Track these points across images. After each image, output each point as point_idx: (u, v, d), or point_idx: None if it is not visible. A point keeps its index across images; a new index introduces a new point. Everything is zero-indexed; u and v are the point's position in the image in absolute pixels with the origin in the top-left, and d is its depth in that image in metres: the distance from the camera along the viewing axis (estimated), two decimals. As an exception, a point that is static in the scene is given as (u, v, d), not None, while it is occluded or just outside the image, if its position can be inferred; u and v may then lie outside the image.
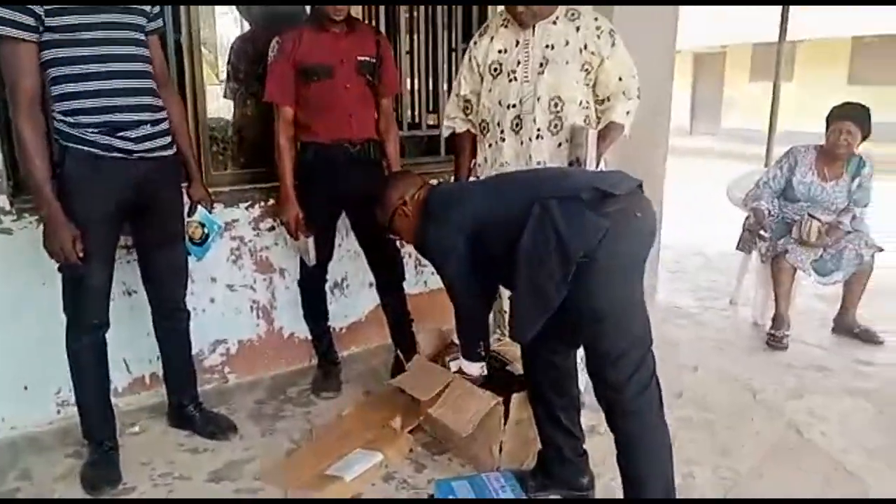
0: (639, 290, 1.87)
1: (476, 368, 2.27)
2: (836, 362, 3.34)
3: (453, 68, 3.48)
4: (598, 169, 2.46)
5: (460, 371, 2.32)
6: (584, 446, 2.22)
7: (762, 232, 3.72)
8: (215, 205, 2.78)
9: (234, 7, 3.33)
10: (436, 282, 3.58)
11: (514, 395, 2.31)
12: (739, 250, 4.03)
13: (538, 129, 2.47)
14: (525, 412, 2.30)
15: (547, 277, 1.75)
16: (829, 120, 3.55)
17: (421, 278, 3.55)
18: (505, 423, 2.28)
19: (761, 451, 2.54)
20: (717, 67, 18.23)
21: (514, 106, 2.49)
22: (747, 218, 3.94)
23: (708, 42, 17.00)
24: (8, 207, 2.44)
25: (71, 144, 2.08)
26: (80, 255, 2.08)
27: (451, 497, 2.10)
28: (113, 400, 2.61)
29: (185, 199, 2.49)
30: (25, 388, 2.58)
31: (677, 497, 1.92)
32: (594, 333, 1.83)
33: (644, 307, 1.87)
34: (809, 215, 3.49)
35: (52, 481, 2.31)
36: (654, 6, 3.68)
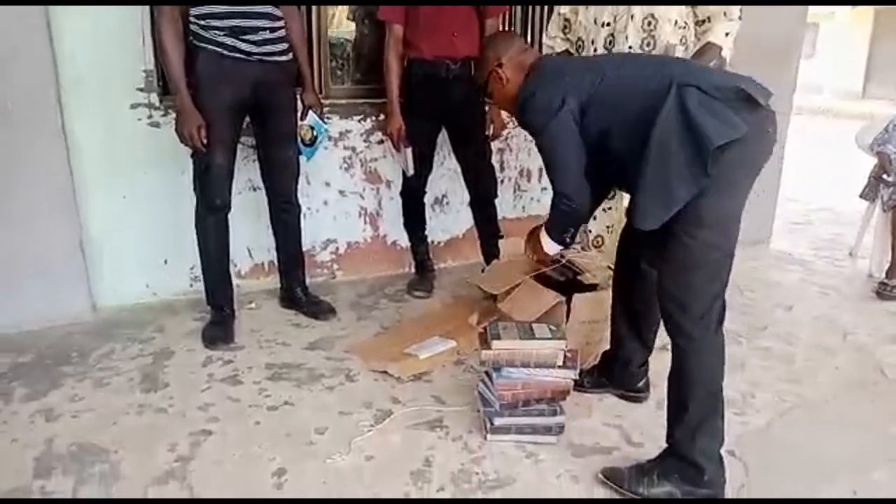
0: (744, 204, 1.77)
1: (553, 246, 2.16)
2: (950, 317, 3.15)
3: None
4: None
5: (536, 243, 2.22)
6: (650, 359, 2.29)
7: (886, 176, 3.52)
8: (330, 114, 3.09)
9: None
10: (533, 207, 3.76)
11: (576, 296, 2.44)
12: (863, 198, 3.83)
13: (630, 48, 2.52)
14: (588, 315, 2.43)
15: (675, 167, 1.66)
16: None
17: (519, 203, 3.72)
18: (567, 322, 2.43)
19: (836, 383, 2.52)
20: (902, 23, 16.43)
21: (608, 24, 2.55)
22: (875, 165, 3.72)
23: (892, -5, 15.34)
24: (157, 104, 2.86)
25: (202, 45, 2.43)
26: (204, 140, 2.43)
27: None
28: (237, 281, 3.04)
29: (299, 104, 2.79)
30: (165, 261, 3.05)
31: (723, 403, 1.83)
32: (689, 238, 1.71)
33: (740, 220, 1.77)
34: (936, 159, 3.27)
35: (179, 336, 2.75)
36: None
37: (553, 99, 1.86)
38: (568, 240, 2.15)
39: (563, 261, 2.59)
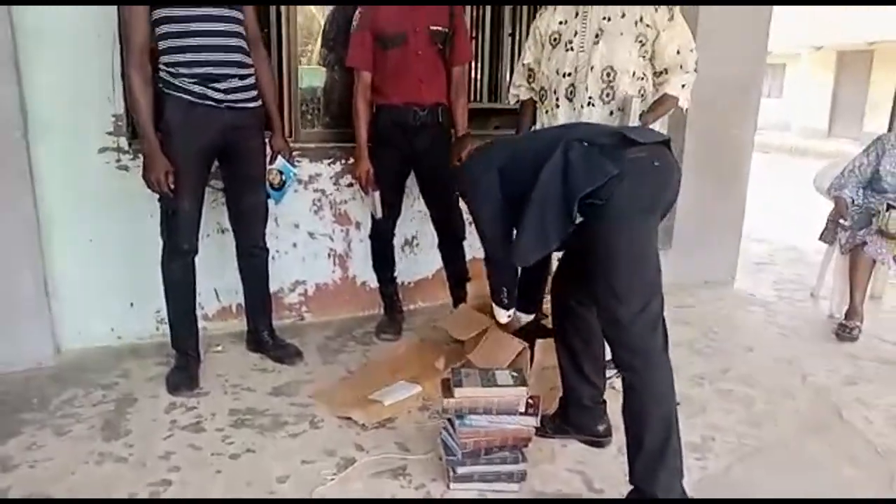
0: (652, 236, 1.94)
1: (502, 315, 2.39)
2: (907, 359, 3.23)
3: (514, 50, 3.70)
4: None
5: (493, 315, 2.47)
6: (605, 398, 2.35)
7: (843, 221, 3.63)
8: (301, 158, 3.13)
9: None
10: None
11: (539, 341, 2.47)
12: (822, 241, 3.93)
13: (590, 97, 2.60)
14: (551, 360, 2.46)
15: (549, 211, 1.85)
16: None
17: (488, 243, 3.75)
18: (531, 368, 2.45)
19: (795, 426, 2.56)
20: (862, 66, 17.00)
21: (568, 74, 2.63)
22: (833, 209, 3.83)
23: (853, 39, 15.91)
24: (126, 148, 2.88)
25: (171, 92, 2.45)
26: (172, 186, 2.45)
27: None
28: (203, 324, 3.04)
29: (268, 148, 2.82)
30: (131, 304, 3.04)
31: (681, 445, 1.94)
32: (606, 271, 1.88)
33: (657, 252, 1.93)
34: (889, 205, 3.37)
35: (143, 381, 2.72)
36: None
37: (473, 171, 2.12)
38: (505, 300, 2.33)
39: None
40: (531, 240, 1.90)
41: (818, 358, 3.19)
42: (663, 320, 1.93)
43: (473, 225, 2.20)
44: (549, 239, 1.89)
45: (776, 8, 4.13)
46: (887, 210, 3.38)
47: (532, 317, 2.54)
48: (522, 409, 2.06)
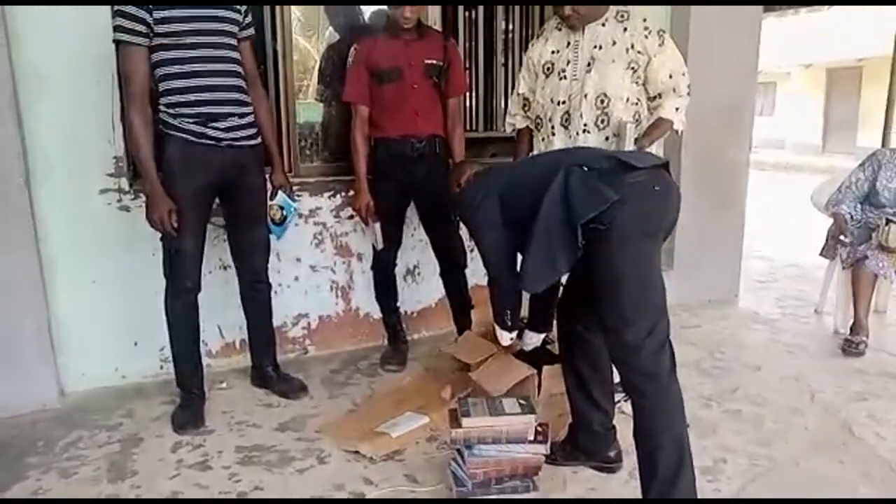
0: (656, 259, 1.95)
1: (505, 337, 2.40)
2: (915, 372, 3.22)
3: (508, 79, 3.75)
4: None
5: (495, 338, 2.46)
6: (614, 422, 2.33)
7: (843, 237, 3.63)
8: (301, 192, 3.15)
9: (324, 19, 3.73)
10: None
11: (546, 367, 2.47)
12: (823, 257, 3.93)
13: (585, 125, 2.63)
14: (559, 387, 2.44)
15: (555, 238, 1.86)
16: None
17: (490, 270, 3.76)
18: (538, 395, 2.44)
19: (805, 444, 2.54)
20: (852, 82, 17.18)
21: (563, 102, 2.67)
22: (831, 225, 3.84)
23: (843, 55, 16.10)
24: (127, 188, 2.90)
25: (171, 132, 2.48)
26: (175, 225, 2.46)
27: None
28: (207, 360, 3.04)
29: (269, 184, 2.84)
30: (135, 343, 3.03)
31: (693, 468, 1.94)
32: (611, 296, 1.89)
33: (660, 275, 1.94)
34: (888, 220, 3.39)
35: (148, 420, 2.71)
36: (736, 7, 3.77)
37: (473, 197, 2.12)
38: (508, 322, 2.34)
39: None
40: (540, 267, 1.92)
41: (825, 374, 3.18)
42: (670, 343, 1.93)
43: (476, 250, 2.22)
44: (557, 265, 1.90)
45: (764, 27, 4.19)
46: (886, 224, 3.39)
47: (542, 336, 2.53)
48: (531, 437, 2.05)
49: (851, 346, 3.43)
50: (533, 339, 2.51)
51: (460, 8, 3.69)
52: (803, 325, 3.95)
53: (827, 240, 3.87)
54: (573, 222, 1.84)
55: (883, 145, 5.37)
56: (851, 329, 3.53)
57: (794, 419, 2.74)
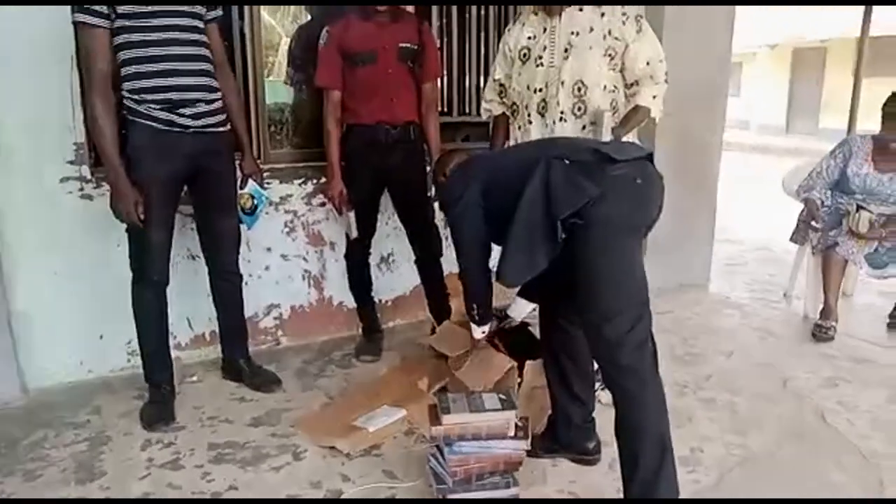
0: (636, 254, 1.93)
1: (476, 331, 2.38)
2: (882, 357, 3.27)
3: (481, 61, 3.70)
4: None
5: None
6: (594, 415, 2.32)
7: (814, 223, 3.66)
8: (271, 179, 3.06)
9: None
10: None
11: (529, 363, 2.44)
12: (793, 242, 3.97)
13: (562, 112, 2.58)
14: (541, 380, 2.43)
15: (535, 232, 1.85)
16: (885, 109, 3.46)
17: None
18: (519, 388, 2.42)
19: (779, 432, 2.56)
20: (817, 63, 17.41)
21: (540, 90, 2.61)
22: (802, 210, 3.88)
23: (808, 36, 16.28)
24: (89, 176, 2.79)
25: (136, 119, 2.37)
26: (142, 216, 2.37)
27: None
28: (176, 353, 2.96)
29: (238, 172, 2.76)
30: (101, 337, 2.94)
31: (674, 461, 1.91)
32: (591, 291, 1.88)
33: (642, 269, 1.92)
34: (859, 206, 3.43)
35: (116, 417, 2.63)
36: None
37: (455, 189, 2.10)
38: (477, 317, 2.33)
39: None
40: (519, 261, 1.89)
41: (797, 360, 3.22)
42: (653, 338, 1.91)
43: (451, 241, 2.19)
44: (536, 260, 1.88)
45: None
46: (857, 210, 3.43)
47: (531, 308, 2.45)
48: (512, 433, 2.02)
49: (822, 330, 3.48)
50: (521, 308, 2.45)
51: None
52: (773, 310, 4.00)
53: (798, 225, 3.90)
54: (553, 217, 1.82)
55: (849, 129, 5.43)
56: (821, 314, 3.57)
57: (768, 407, 2.76)
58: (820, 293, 3.66)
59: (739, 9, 4.25)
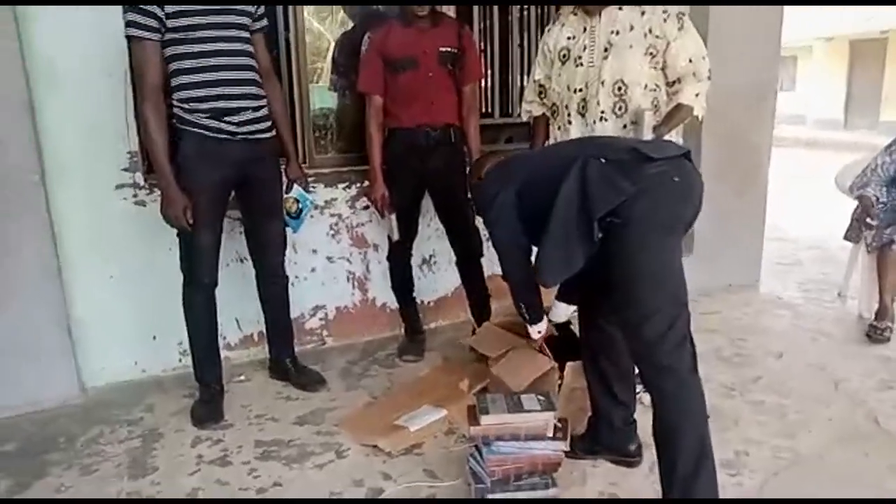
0: (675, 252, 1.90)
1: (532, 331, 2.39)
2: (943, 359, 3.15)
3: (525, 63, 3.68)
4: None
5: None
6: (635, 417, 2.30)
7: (868, 220, 3.55)
8: (315, 184, 3.13)
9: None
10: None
11: (569, 364, 2.44)
12: (847, 240, 3.85)
13: (602, 112, 2.57)
14: (581, 381, 2.42)
15: (571, 231, 1.83)
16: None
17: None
18: (559, 389, 2.42)
19: (830, 436, 2.50)
20: (877, 55, 16.78)
21: (580, 90, 2.61)
22: (856, 207, 3.76)
23: (866, 27, 15.71)
24: (142, 183, 2.90)
25: (186, 127, 2.46)
26: (191, 221, 2.45)
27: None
28: (225, 353, 3.05)
29: (284, 177, 2.83)
30: (154, 337, 3.04)
31: (714, 464, 1.90)
32: (629, 289, 1.86)
33: (680, 267, 1.90)
34: (916, 203, 3.31)
35: (168, 415, 2.73)
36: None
37: (490, 191, 2.10)
38: (527, 315, 2.34)
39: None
40: (556, 260, 1.90)
41: (850, 361, 3.13)
42: (691, 338, 1.89)
43: (491, 242, 2.20)
44: (573, 259, 1.87)
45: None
46: (913, 208, 3.31)
47: (572, 309, 2.47)
48: (551, 434, 2.02)
49: (877, 331, 3.37)
50: (561, 311, 2.47)
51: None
52: (827, 309, 3.89)
53: (851, 222, 3.79)
54: (589, 216, 1.81)
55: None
56: (876, 314, 3.46)
57: (819, 409, 2.69)
58: (875, 292, 3.54)
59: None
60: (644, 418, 2.24)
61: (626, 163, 1.84)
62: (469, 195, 3.13)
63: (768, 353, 3.24)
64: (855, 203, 3.73)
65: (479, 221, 3.08)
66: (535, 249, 2.07)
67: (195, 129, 2.46)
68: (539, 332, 2.42)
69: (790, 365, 3.12)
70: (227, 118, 2.48)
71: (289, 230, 2.87)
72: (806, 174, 9.46)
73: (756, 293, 4.20)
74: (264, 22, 2.66)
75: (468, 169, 2.81)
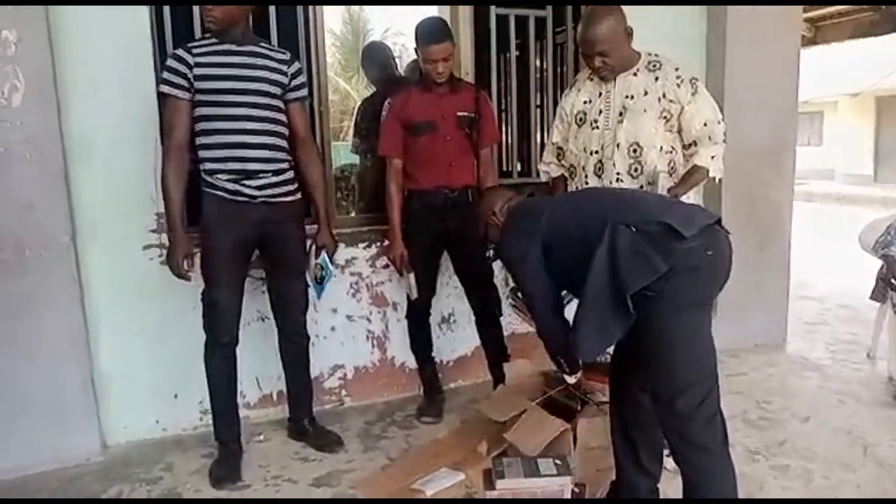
0: (706, 326, 1.88)
1: (569, 379, 2.35)
2: (975, 424, 3.05)
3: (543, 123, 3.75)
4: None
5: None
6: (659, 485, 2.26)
7: (893, 280, 3.50)
8: (338, 243, 3.18)
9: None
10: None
11: (581, 421, 2.41)
12: (873, 300, 3.80)
13: (618, 173, 2.61)
14: (596, 441, 2.39)
15: (605, 306, 1.80)
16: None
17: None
18: (574, 449, 2.39)
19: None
20: (905, 110, 16.74)
21: (596, 152, 2.65)
22: (882, 266, 3.71)
23: (892, 83, 15.72)
24: (168, 243, 2.96)
25: (207, 189, 2.55)
26: (186, 268, 2.53)
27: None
28: (245, 412, 3.06)
29: (313, 242, 2.88)
30: (176, 396, 3.08)
31: None
32: (663, 364, 1.86)
33: (711, 339, 1.88)
34: (941, 262, 3.26)
35: (187, 475, 2.73)
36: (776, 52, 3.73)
37: (516, 248, 2.06)
38: (567, 368, 2.27)
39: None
40: (592, 335, 1.86)
41: (879, 426, 3.04)
42: (721, 412, 1.88)
43: (522, 297, 2.20)
44: (609, 334, 1.85)
45: (810, 56, 4.13)
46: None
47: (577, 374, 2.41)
48: (568, 497, 1.99)
49: (906, 395, 3.28)
50: (568, 380, 2.42)
51: (493, 50, 3.72)
52: (855, 371, 3.80)
53: (877, 282, 3.74)
54: (622, 291, 1.77)
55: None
56: (906, 377, 3.38)
57: (846, 475, 2.61)
58: (905, 354, 3.47)
59: (814, 59, 4.21)
60: (667, 483, 2.21)
61: (658, 236, 1.79)
62: (488, 254, 3.17)
63: (794, 416, 3.17)
64: (880, 262, 3.69)
65: (497, 280, 3.14)
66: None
67: (215, 192, 2.55)
68: (574, 379, 2.38)
69: (817, 429, 3.04)
70: (245, 182, 2.56)
71: (311, 293, 2.91)
72: (834, 229, 9.35)
73: (782, 353, 4.13)
74: (302, 92, 2.75)
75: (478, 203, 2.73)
